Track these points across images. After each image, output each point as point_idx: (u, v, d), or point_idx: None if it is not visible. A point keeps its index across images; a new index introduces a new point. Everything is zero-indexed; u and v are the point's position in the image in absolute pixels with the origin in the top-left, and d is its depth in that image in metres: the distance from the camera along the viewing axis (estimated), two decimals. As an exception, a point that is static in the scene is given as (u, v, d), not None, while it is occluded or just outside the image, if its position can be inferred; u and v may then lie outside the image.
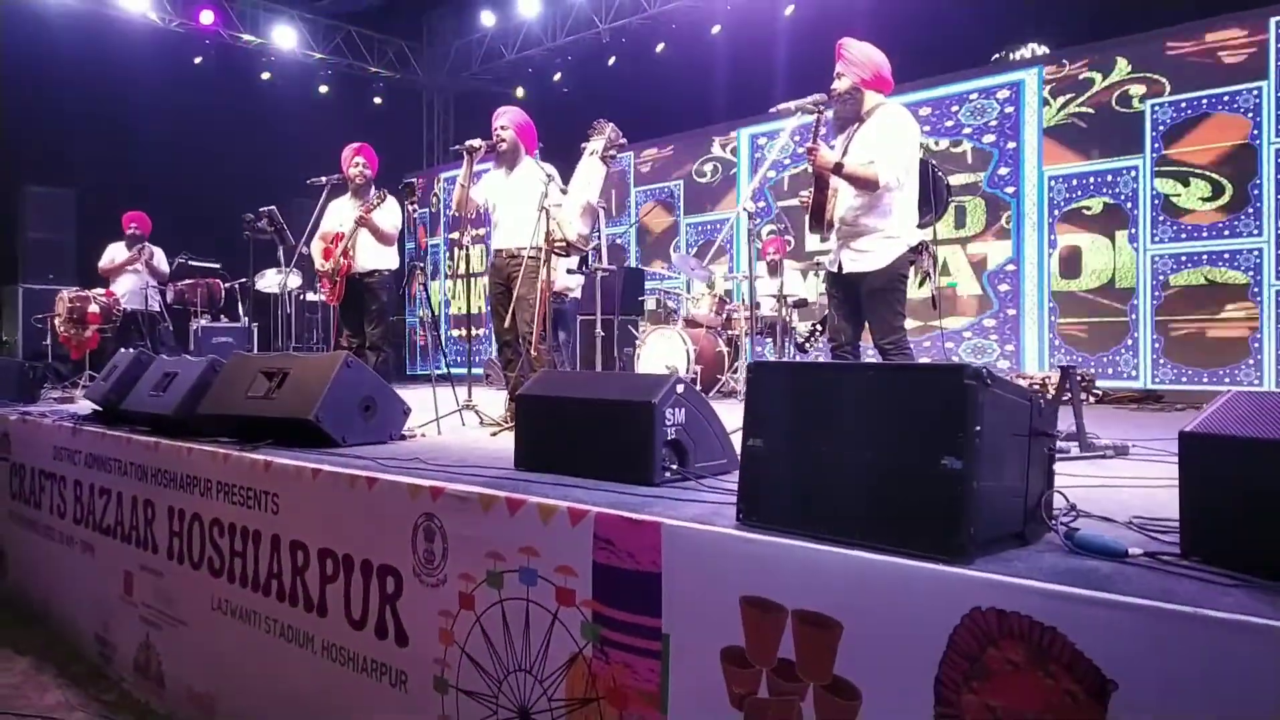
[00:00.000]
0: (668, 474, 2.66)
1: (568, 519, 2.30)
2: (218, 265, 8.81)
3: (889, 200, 3.51)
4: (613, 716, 2.19)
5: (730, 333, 7.33)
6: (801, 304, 7.40)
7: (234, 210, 7.04)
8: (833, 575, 1.81)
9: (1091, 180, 7.36)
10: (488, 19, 13.67)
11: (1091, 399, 6.58)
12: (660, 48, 12.12)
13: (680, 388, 2.70)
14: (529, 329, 4.31)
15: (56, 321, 8.05)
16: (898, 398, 1.84)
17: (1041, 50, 8.15)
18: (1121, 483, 2.79)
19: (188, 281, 8.79)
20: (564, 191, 4.18)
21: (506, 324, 4.32)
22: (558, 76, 13.67)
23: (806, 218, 3.72)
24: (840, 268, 3.64)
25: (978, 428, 1.70)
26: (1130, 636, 1.46)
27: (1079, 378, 3.47)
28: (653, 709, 2.10)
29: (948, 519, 1.70)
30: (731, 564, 1.97)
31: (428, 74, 15.26)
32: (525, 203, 4.30)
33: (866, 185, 3.47)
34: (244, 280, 8.70)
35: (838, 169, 3.48)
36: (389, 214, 5.25)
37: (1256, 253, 6.59)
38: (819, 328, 6.14)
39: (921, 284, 3.61)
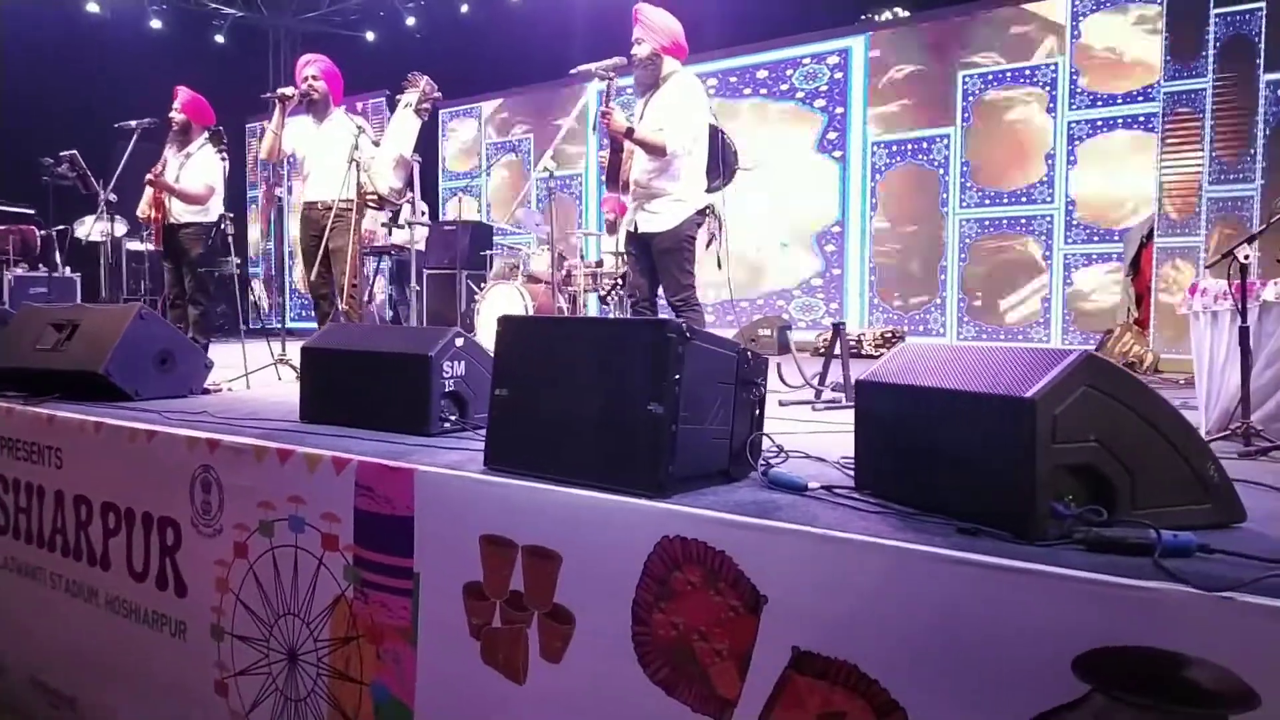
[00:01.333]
0: (446, 425, 2.78)
1: (332, 468, 2.40)
2: (31, 211, 8.28)
3: (678, 165, 3.69)
4: (370, 652, 2.32)
5: (570, 289, 7.46)
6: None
7: (56, 153, 6.61)
8: (555, 512, 1.98)
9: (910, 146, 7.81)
10: (333, -40, 13.13)
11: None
12: (514, -3, 11.95)
13: (460, 341, 2.81)
14: (343, 280, 4.31)
15: None
16: (614, 350, 2.01)
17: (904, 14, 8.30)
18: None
19: (-1, 228, 8.24)
20: (376, 144, 4.18)
21: (315, 276, 4.30)
22: (411, 21, 13.30)
23: (603, 178, 3.87)
24: (635, 227, 3.81)
25: (677, 376, 1.88)
26: (778, 557, 1.68)
27: (846, 334, 3.77)
28: (405, 643, 2.24)
29: (650, 458, 1.89)
30: (473, 506, 2.12)
31: (273, 13, 14.55)
32: (335, 154, 4.27)
33: (655, 151, 3.64)
34: (61, 228, 8.22)
35: (629, 134, 3.63)
36: (197, 172, 5.06)
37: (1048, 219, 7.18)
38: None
39: (708, 245, 3.83)
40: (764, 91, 8.67)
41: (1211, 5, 5.67)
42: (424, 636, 2.22)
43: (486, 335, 7.40)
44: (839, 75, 8.22)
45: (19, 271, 8.41)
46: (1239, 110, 5.60)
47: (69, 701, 3.27)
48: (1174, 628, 1.32)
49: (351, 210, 4.20)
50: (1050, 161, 7.15)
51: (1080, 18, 6.99)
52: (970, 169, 7.50)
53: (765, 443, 2.21)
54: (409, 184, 4.35)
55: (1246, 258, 2.46)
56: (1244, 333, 2.50)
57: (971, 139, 7.49)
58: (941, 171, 7.64)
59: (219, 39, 13.80)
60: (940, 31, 7.67)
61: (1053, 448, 1.55)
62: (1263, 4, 5.53)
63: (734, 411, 2.08)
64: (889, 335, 7.30)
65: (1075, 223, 7.06)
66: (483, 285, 7.57)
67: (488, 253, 8.29)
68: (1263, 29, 5.52)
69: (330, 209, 4.36)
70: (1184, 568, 1.38)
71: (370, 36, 13.87)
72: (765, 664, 1.68)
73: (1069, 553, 1.49)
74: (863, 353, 7.23)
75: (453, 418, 2.81)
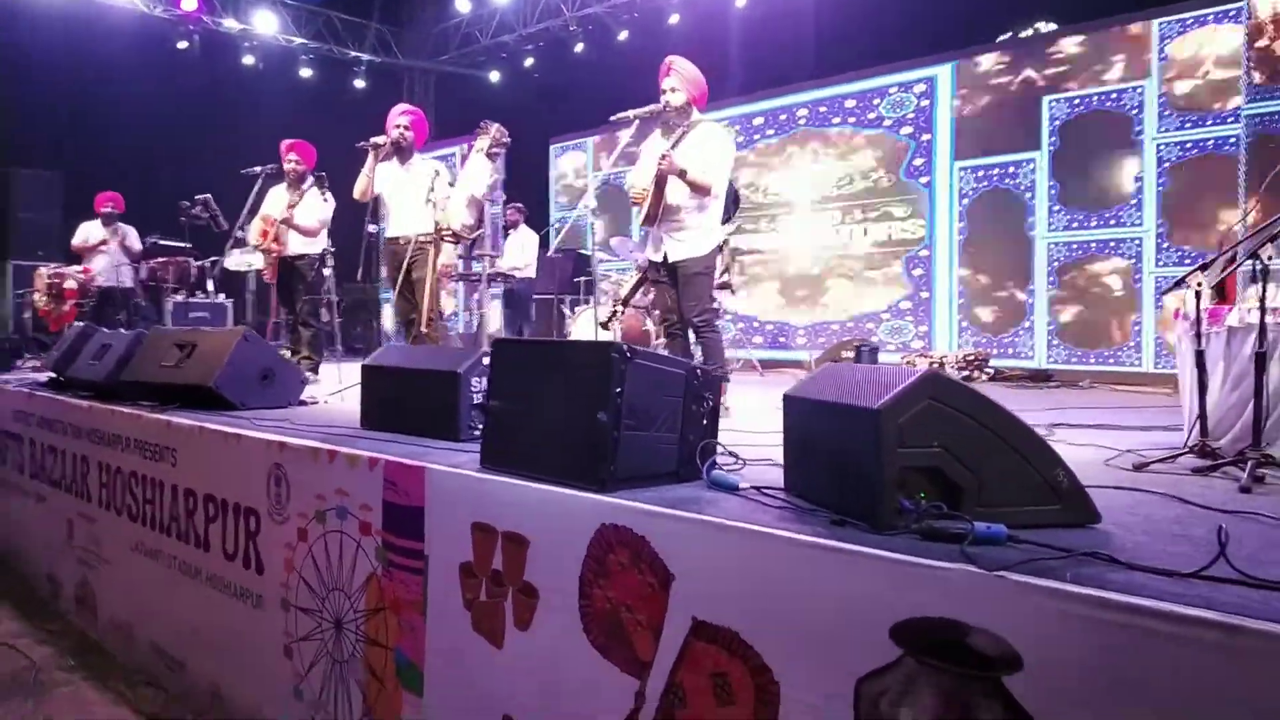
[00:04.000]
0: (475, 431, 3.20)
1: (367, 466, 2.86)
2: (188, 245, 9.36)
3: (710, 200, 4.03)
4: (394, 621, 2.75)
5: (657, 311, 7.85)
6: (724, 286, 7.96)
7: (216, 193, 7.56)
8: (526, 504, 2.36)
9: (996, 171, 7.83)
10: (463, 4, 14.10)
11: (984, 376, 7.09)
12: (623, 35, 12.56)
13: (486, 359, 3.23)
14: (423, 307, 4.85)
15: (36, 296, 8.64)
16: (575, 368, 2.38)
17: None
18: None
19: (160, 260, 9.35)
20: (451, 185, 4.71)
21: (400, 302, 4.85)
22: (529, 62, 14.13)
23: (639, 212, 4.23)
24: (665, 256, 4.17)
25: (619, 390, 2.23)
26: (684, 541, 2.00)
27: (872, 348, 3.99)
28: (417, 614, 2.66)
29: (596, 458, 2.24)
30: (467, 498, 2.52)
31: (408, 58, 15.74)
32: (415, 194, 4.82)
33: (702, 190, 4.01)
34: (214, 260, 9.26)
35: (682, 174, 3.99)
36: (309, 211, 5.76)
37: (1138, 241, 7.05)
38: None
39: (723, 274, 4.14)
40: (852, 120, 8.85)
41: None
42: (431, 609, 2.63)
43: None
44: (925, 103, 8.32)
45: (178, 298, 9.51)
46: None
47: (180, 665, 3.86)
48: (964, 601, 1.57)
49: (430, 244, 4.74)
50: (1139, 183, 7.04)
51: (1166, 40, 6.89)
52: (1058, 192, 7.46)
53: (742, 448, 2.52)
54: (480, 221, 4.86)
55: (1200, 285, 2.58)
56: (1199, 356, 2.62)
57: (1059, 163, 7.45)
58: (1029, 195, 7.62)
59: (359, 84, 15.04)
60: (1021, 57, 7.68)
61: (899, 452, 1.81)
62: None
63: (683, 421, 2.40)
64: (972, 358, 7.33)
65: (1165, 246, 6.91)
66: (577, 309, 8.06)
67: (578, 279, 8.79)
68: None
69: (410, 242, 4.92)
70: (985, 553, 1.62)
71: (495, 77, 14.79)
72: (673, 631, 1.99)
73: (906, 540, 1.75)
74: (942, 376, 7.27)
75: (481, 426, 3.22)
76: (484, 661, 2.44)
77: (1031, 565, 1.54)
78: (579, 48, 13.24)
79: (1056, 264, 7.50)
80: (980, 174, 7.95)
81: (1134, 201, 7.09)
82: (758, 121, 9.72)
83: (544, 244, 9.37)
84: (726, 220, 4.28)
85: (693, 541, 1.99)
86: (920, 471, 1.82)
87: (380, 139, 5.14)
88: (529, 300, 9.23)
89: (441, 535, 2.61)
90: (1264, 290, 2.43)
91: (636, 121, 4.15)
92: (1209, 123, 6.68)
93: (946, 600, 1.59)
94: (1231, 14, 6.55)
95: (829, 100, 9.03)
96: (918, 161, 8.38)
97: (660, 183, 4.14)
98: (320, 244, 5.82)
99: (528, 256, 9.34)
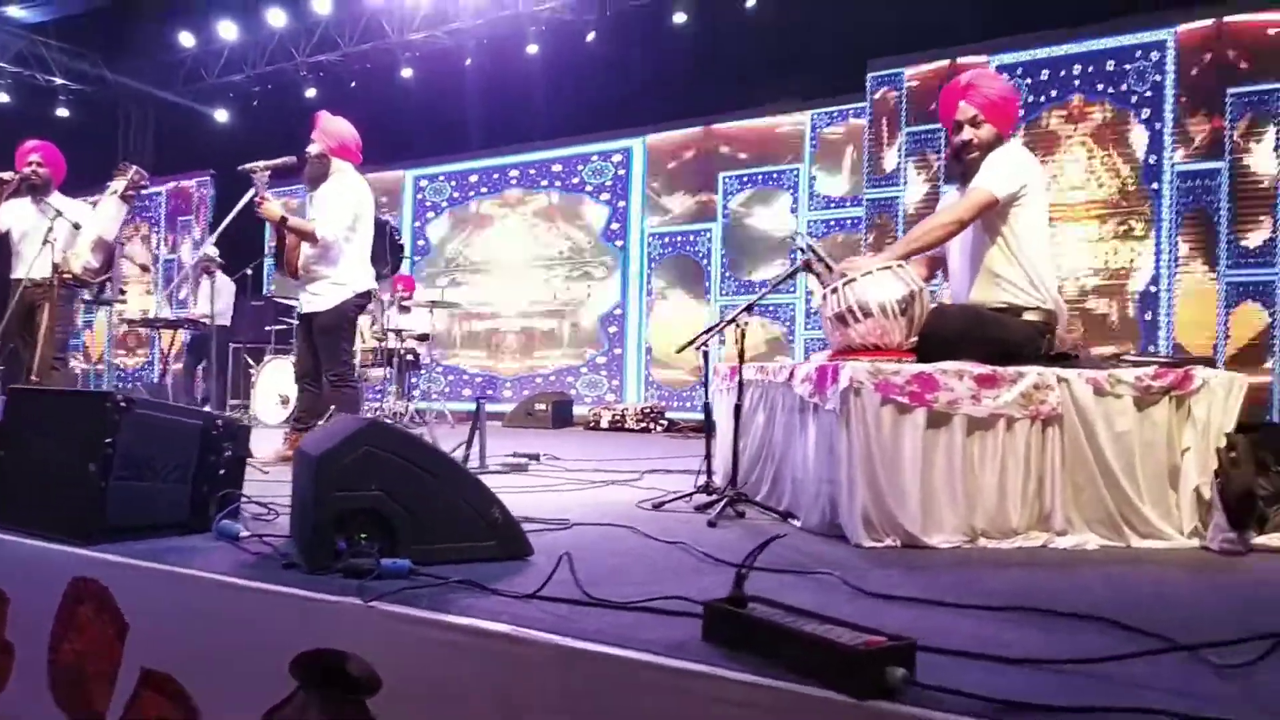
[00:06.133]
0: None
1: None
2: None
3: (336, 252, 4.10)
4: None
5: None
6: (424, 338, 8.03)
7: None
8: (11, 559, 2.28)
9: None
10: (186, 39, 13.46)
11: (659, 428, 7.57)
12: (353, 85, 12.47)
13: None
14: (46, 351, 4.53)
15: None
16: (73, 419, 2.34)
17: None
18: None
19: None
20: (77, 227, 4.47)
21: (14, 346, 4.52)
22: (256, 103, 13.68)
23: (273, 260, 4.25)
24: (301, 307, 4.20)
25: (109, 440, 2.22)
26: (143, 591, 2.01)
27: (485, 411, 4.18)
28: None
29: (85, 509, 2.21)
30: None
31: (125, 89, 14.75)
32: (41, 234, 4.53)
33: (307, 238, 4.06)
34: None
35: (283, 221, 4.03)
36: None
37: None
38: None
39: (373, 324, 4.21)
40: (558, 183, 9.29)
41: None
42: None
43: (262, 406, 7.62)
44: (621, 171, 8.89)
45: None
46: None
47: None
48: (351, 631, 1.70)
49: (48, 288, 4.46)
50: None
51: (818, 129, 7.81)
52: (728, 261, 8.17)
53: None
54: (109, 264, 4.64)
55: (706, 344, 2.96)
56: (707, 408, 3.00)
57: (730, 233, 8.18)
58: (705, 262, 8.31)
59: (62, 113, 13.90)
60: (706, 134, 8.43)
61: (336, 495, 1.94)
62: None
63: (197, 472, 2.42)
64: (649, 410, 7.80)
65: (813, 312, 7.75)
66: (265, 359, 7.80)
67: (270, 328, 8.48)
68: None
69: (37, 285, 4.61)
70: (382, 586, 1.76)
71: (222, 116, 14.18)
72: (125, 681, 1.99)
73: (333, 578, 1.86)
74: (625, 427, 7.70)
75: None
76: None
77: (401, 595, 1.70)
78: (310, 93, 12.99)
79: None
80: (666, 240, 8.57)
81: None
82: (473, 179, 9.95)
83: (247, 290, 9.03)
84: (385, 271, 4.32)
85: (149, 591, 2.01)
86: (364, 513, 1.96)
87: (8, 174, 4.80)
88: (218, 349, 8.82)
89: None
90: (741, 348, 2.83)
91: (268, 173, 4.16)
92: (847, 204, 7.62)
93: (338, 632, 1.72)
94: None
95: (538, 164, 9.43)
96: (614, 226, 8.90)
97: (280, 232, 4.16)
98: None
99: (221, 304, 8.95)
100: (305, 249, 4.16)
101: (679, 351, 3.07)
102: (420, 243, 10.25)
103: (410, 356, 8.05)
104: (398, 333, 7.87)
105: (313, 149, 4.25)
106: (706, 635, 1.49)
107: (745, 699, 1.29)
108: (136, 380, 12.05)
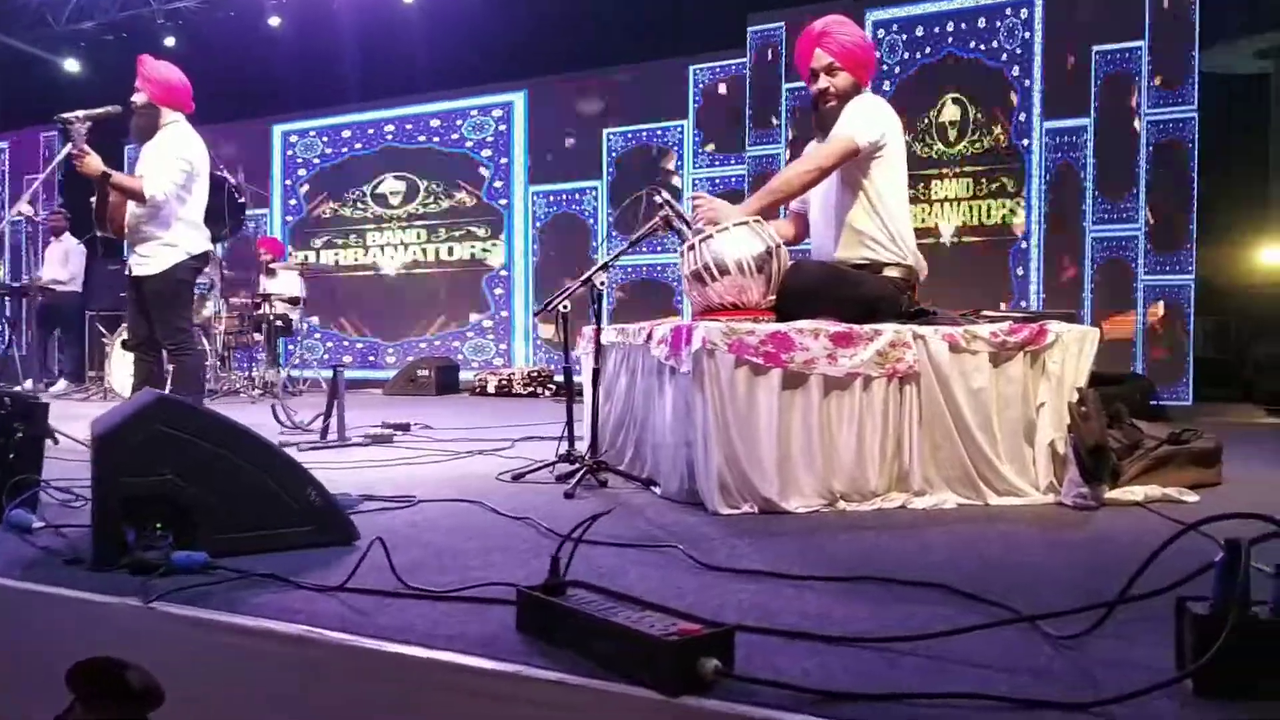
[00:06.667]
0: None
1: None
2: None
3: (168, 212, 3.75)
4: None
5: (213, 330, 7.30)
6: (295, 301, 7.63)
7: None
8: None
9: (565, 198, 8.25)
10: (30, -18, 12.34)
11: (547, 393, 7.40)
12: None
13: None
14: None
15: None
16: None
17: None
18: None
19: None
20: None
21: None
22: (108, 53, 12.71)
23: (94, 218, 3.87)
24: (131, 271, 3.84)
25: None
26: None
27: (343, 379, 3.94)
28: None
29: None
30: None
31: (-42, 34, 13.47)
32: None
33: (133, 196, 3.70)
34: None
35: (105, 177, 3.66)
36: None
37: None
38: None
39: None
40: (436, 139, 8.91)
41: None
42: None
43: (119, 378, 7.10)
44: (503, 127, 8.58)
45: None
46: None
47: None
48: (130, 636, 1.51)
49: None
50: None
51: (700, 84, 7.67)
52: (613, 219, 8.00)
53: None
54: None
55: (566, 308, 2.81)
56: (567, 372, 2.87)
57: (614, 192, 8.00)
58: (592, 221, 8.12)
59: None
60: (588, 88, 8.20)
61: (122, 481, 1.72)
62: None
63: (-20, 455, 2.15)
64: (536, 375, 7.62)
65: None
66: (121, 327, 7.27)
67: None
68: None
69: None
70: (174, 582, 1.57)
71: (72, 65, 13.12)
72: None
73: (121, 575, 1.66)
74: (512, 392, 7.51)
75: None
76: None
77: (187, 593, 1.52)
78: (169, 41, 12.12)
79: (616, 285, 8.02)
80: (551, 199, 8.33)
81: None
82: (346, 135, 9.46)
83: (98, 253, 8.41)
84: (224, 232, 3.99)
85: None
86: (148, 500, 1.75)
87: None
88: (72, 317, 8.23)
89: None
90: (597, 309, 2.69)
91: (88, 124, 3.76)
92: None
93: (118, 636, 1.52)
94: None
95: (414, 118, 9.02)
96: (497, 184, 8.60)
97: (101, 187, 3.77)
98: None
99: (73, 268, 8.31)
100: (132, 207, 3.80)
101: (535, 315, 2.91)
102: (293, 202, 9.73)
103: (280, 322, 7.66)
104: (266, 298, 7.50)
105: (138, 98, 3.87)
106: (520, 626, 1.36)
107: (549, 699, 1.17)
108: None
